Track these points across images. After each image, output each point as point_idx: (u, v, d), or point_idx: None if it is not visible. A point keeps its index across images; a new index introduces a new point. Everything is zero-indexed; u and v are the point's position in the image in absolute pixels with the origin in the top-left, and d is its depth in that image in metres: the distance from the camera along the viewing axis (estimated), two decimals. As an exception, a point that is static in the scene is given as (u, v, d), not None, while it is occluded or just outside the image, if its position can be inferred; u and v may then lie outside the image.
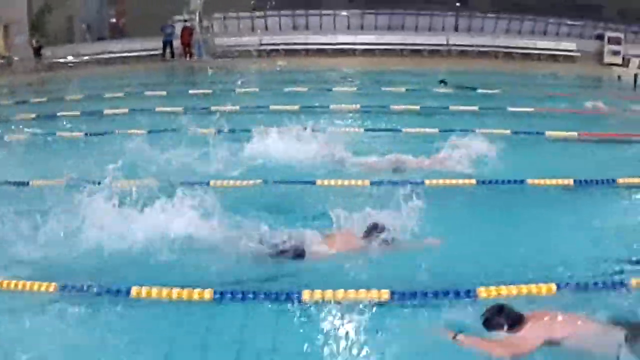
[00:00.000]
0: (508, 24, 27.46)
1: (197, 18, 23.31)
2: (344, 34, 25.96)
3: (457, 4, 27.82)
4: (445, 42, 25.87)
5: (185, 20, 24.15)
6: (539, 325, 4.15)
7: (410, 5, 26.92)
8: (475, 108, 12.92)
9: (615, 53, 25.56)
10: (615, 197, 7.35)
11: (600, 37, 26.43)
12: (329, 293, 4.68)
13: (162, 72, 22.33)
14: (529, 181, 7.45)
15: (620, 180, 7.57)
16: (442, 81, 15.96)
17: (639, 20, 27.59)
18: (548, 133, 10.30)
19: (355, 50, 25.21)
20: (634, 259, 5.32)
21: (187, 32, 24.04)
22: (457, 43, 25.74)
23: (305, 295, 4.69)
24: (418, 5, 26.93)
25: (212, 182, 7.29)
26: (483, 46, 25.83)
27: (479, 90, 15.51)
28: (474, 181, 7.53)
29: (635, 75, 18.99)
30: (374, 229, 5.58)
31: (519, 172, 7.68)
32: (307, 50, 24.89)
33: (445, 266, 5.21)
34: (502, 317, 4.18)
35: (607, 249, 5.59)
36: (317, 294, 4.69)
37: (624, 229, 6.01)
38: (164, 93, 15.92)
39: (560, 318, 4.22)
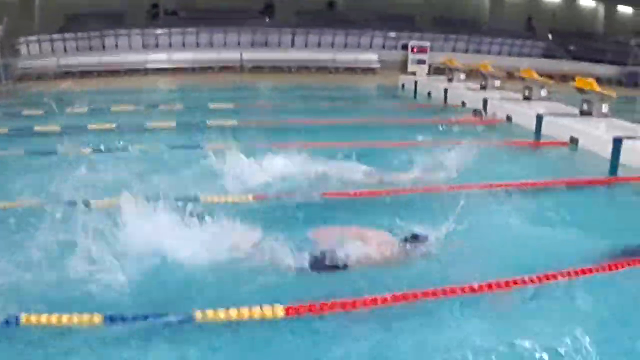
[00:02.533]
0: (306, 38, 26.01)
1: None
2: (136, 54, 24.36)
3: (266, 19, 26.77)
4: (238, 58, 23.56)
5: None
6: None
7: (205, 22, 25.44)
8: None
9: (420, 62, 24.39)
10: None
11: (405, 47, 25.08)
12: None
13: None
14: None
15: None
16: None
17: (451, 27, 27.82)
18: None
19: (147, 69, 23.51)
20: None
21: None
22: (250, 58, 23.51)
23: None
24: (212, 21, 25.32)
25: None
26: (277, 60, 23.77)
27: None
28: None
29: (416, 83, 18.77)
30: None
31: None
32: (99, 72, 23.18)
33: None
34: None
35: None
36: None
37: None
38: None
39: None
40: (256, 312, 4.32)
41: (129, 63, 23.60)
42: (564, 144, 10.68)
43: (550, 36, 29.22)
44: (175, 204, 5.40)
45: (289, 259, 4.99)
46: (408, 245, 5.27)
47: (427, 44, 25.86)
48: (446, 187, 7.20)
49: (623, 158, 9.41)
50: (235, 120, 12.11)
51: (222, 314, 4.26)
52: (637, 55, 25.53)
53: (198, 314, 4.24)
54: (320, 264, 4.95)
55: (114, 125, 11.34)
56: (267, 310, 4.33)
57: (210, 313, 4.26)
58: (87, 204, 5.79)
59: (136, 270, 4.78)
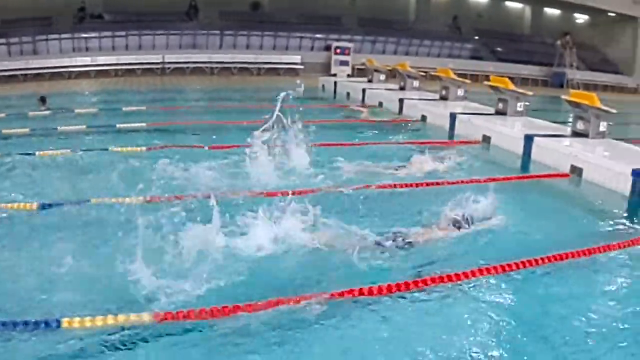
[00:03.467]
0: (233, 39, 25.26)
1: None
2: (61, 58, 23.51)
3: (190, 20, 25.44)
4: (160, 60, 22.63)
5: None
6: None
7: (130, 26, 24.71)
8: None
9: (343, 63, 23.95)
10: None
11: (328, 49, 24.56)
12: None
13: None
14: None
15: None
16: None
17: (378, 28, 27.67)
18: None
19: (70, 73, 22.90)
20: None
21: None
22: (172, 60, 22.60)
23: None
24: (137, 24, 24.68)
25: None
26: (198, 62, 22.95)
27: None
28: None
29: (335, 84, 18.62)
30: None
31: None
32: (24, 75, 22.19)
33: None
34: None
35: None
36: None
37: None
38: None
39: None
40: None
41: (54, 67, 22.70)
42: (476, 142, 10.19)
43: (476, 37, 29.21)
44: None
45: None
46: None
47: (350, 45, 25.55)
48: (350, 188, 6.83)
49: (534, 155, 8.96)
50: (144, 122, 11.37)
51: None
52: (563, 57, 25.70)
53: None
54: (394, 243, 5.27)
55: (27, 130, 10.60)
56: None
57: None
58: None
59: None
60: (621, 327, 4.14)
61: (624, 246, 5.54)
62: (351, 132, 11.43)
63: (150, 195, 5.99)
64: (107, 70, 23.65)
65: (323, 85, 19.21)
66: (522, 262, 4.95)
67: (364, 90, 15.80)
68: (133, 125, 11.13)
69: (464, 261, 4.99)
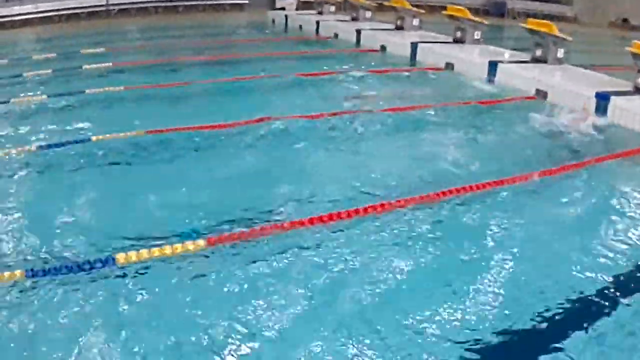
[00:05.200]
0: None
1: None
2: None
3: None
4: (104, 3, 21.78)
5: None
6: None
7: None
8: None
9: (287, -3, 23.39)
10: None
11: (270, -17, 24.07)
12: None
13: None
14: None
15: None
16: None
17: None
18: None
19: (14, 22, 21.41)
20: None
21: None
22: (116, 2, 21.80)
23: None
24: None
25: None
26: (142, 2, 22.15)
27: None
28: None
29: (286, 17, 18.46)
30: None
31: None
32: None
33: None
34: None
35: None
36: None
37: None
38: None
39: None
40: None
41: None
42: (439, 69, 10.38)
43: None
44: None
45: None
46: None
47: (290, -22, 24.86)
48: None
49: (499, 80, 9.24)
50: (109, 62, 11.11)
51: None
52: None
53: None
54: None
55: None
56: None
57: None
58: None
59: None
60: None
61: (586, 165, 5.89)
62: (314, 63, 11.46)
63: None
64: (50, 16, 22.56)
65: (273, 20, 18.95)
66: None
67: (317, 23, 15.65)
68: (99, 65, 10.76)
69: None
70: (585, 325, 3.41)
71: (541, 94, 8.60)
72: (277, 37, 16.27)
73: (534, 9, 26.79)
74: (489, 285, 3.78)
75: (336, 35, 14.60)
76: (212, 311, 3.44)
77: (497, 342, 3.28)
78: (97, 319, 3.36)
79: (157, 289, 3.68)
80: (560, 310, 3.56)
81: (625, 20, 23.67)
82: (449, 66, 10.40)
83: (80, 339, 3.18)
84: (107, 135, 6.44)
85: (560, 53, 10.05)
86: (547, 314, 3.51)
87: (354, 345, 3.18)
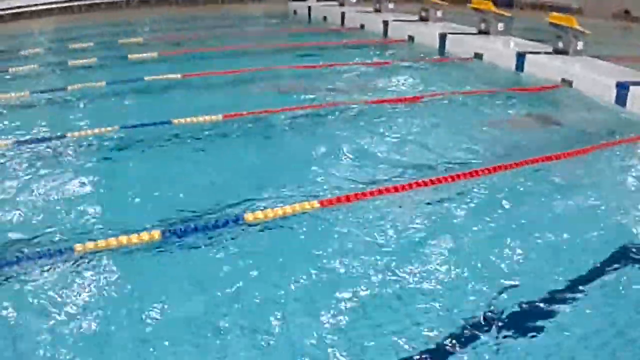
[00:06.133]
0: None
1: None
2: None
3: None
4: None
5: None
6: None
7: None
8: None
9: (307, -13, 24.18)
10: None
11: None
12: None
13: None
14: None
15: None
16: None
17: None
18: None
19: (32, 12, 21.71)
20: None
21: None
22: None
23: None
24: None
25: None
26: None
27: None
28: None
29: (309, 8, 19.13)
30: None
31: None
32: None
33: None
34: None
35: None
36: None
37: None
38: None
39: None
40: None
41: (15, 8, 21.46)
42: (468, 59, 11.28)
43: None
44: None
45: None
46: None
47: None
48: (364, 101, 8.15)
49: (527, 70, 10.16)
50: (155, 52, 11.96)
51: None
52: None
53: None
54: None
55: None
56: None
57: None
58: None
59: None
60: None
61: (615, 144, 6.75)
62: (349, 53, 12.33)
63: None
64: (71, 7, 23.09)
65: (295, 11, 19.68)
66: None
67: (342, 14, 16.47)
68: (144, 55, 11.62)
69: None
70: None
71: (567, 83, 9.52)
72: (304, 28, 17.05)
73: (540, 0, 27.72)
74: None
75: (362, 26, 15.45)
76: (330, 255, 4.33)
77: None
78: (230, 268, 4.20)
79: (278, 242, 4.57)
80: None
81: (627, 12, 24.59)
82: (478, 56, 11.29)
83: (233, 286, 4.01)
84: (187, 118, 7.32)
85: (580, 45, 10.95)
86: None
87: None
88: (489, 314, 3.62)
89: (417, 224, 4.75)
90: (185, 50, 12.51)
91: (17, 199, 5.21)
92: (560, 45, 11.00)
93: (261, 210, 4.91)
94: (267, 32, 16.77)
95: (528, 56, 10.32)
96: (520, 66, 10.36)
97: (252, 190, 5.30)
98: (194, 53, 12.26)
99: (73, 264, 4.17)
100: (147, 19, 20.35)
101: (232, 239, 4.53)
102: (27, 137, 6.80)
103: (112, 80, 9.40)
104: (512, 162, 5.96)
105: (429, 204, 5.11)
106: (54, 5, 22.72)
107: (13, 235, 4.55)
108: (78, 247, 4.34)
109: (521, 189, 5.50)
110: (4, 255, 4.24)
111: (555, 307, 3.70)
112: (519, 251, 4.37)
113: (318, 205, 5.03)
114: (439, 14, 14.56)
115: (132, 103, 8.45)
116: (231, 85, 9.50)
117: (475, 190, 5.37)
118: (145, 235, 4.53)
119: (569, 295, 3.83)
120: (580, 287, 3.92)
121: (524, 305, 3.71)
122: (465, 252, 4.36)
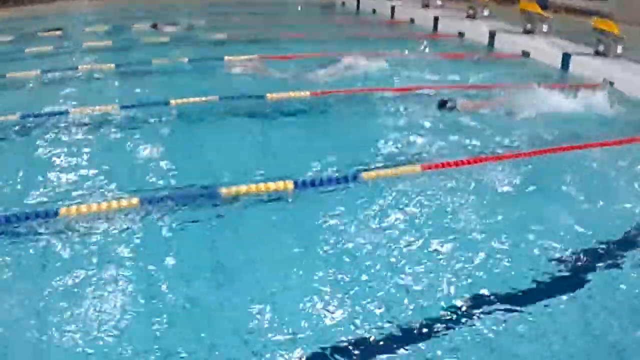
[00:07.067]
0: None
1: None
2: None
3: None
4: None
5: None
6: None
7: None
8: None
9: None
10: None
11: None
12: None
13: None
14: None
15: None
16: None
17: None
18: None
19: None
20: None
21: None
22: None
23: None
24: None
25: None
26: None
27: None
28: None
29: (358, 0, 20.19)
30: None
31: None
32: None
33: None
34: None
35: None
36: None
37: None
38: None
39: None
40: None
41: None
42: (516, 56, 12.43)
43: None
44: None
45: None
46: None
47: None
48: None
49: (572, 69, 11.34)
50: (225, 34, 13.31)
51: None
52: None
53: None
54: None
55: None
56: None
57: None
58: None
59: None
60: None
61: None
62: (404, 44, 13.45)
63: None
64: None
65: (343, 2, 20.74)
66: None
67: (393, 8, 17.62)
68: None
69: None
70: None
71: (607, 83, 10.68)
72: (356, 20, 18.13)
73: (573, 3, 28.77)
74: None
75: (412, 20, 16.60)
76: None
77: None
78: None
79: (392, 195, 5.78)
80: None
81: (656, 18, 25.53)
82: (525, 54, 12.46)
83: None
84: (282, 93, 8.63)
85: (619, 49, 12.11)
86: None
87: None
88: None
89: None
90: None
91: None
92: (601, 48, 12.13)
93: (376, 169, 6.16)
94: (308, 22, 17.75)
95: (573, 57, 11.45)
96: (565, 65, 11.49)
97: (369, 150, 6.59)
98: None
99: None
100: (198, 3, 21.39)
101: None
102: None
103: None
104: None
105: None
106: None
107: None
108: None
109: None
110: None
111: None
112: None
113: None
114: (486, 12, 15.69)
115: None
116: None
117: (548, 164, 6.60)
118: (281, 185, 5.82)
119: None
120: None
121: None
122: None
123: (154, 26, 14.60)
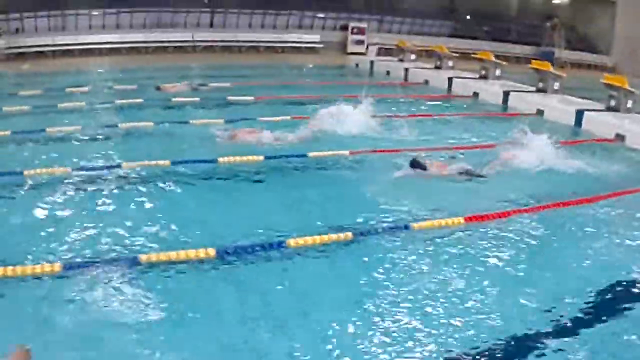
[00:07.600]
0: (249, 18, 26.89)
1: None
2: (89, 34, 24.39)
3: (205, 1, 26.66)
4: (190, 38, 24.43)
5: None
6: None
7: (152, 3, 25.68)
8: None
9: (359, 42, 26.40)
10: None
11: (344, 28, 26.81)
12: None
13: None
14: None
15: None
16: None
17: (381, 10, 29.44)
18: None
19: (101, 49, 23.82)
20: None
21: None
22: (201, 39, 24.48)
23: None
24: (159, 2, 25.63)
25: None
26: (227, 41, 24.90)
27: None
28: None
29: (372, 63, 21.02)
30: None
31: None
32: (54, 52, 22.92)
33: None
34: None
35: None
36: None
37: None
38: None
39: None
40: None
41: (84, 43, 23.65)
42: (532, 114, 12.95)
43: (468, 17, 31.75)
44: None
45: None
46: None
47: (364, 25, 27.69)
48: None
49: (584, 125, 11.82)
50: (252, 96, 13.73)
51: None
52: (552, 37, 28.65)
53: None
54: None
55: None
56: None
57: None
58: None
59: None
60: None
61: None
62: (423, 105, 14.00)
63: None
64: (137, 47, 24.64)
65: (357, 64, 21.54)
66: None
67: (406, 70, 18.34)
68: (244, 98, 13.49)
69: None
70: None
71: (620, 137, 11.15)
72: (371, 81, 18.76)
73: (578, 58, 29.61)
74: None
75: (426, 82, 17.26)
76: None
77: None
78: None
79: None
80: None
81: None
82: (540, 112, 12.98)
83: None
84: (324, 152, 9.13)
85: (630, 103, 12.62)
86: None
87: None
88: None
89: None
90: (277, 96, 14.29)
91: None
92: (613, 103, 12.66)
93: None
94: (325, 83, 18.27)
95: (587, 113, 11.96)
96: (578, 122, 11.99)
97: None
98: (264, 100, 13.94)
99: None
100: (219, 64, 22.04)
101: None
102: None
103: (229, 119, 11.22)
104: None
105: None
106: (119, 45, 24.32)
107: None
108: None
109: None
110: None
111: None
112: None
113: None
114: (498, 72, 16.34)
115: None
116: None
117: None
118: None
119: None
120: None
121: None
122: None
123: (158, 88, 14.83)
